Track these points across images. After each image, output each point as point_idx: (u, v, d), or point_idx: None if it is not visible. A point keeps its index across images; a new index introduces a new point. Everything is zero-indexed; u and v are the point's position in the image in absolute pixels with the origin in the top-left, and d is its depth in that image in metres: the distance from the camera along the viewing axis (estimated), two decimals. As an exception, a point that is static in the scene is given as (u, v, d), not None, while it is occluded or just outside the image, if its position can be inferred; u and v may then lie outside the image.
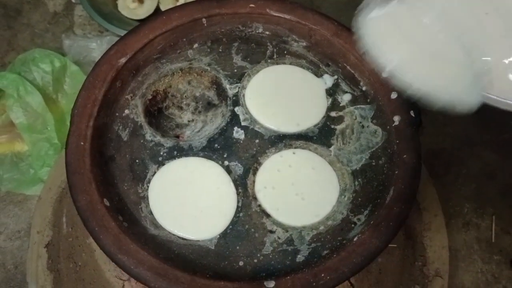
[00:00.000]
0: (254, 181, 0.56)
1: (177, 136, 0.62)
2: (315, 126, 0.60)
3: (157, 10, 1.04)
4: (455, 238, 0.89)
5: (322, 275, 0.49)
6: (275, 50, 0.64)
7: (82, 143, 0.53)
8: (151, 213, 0.54)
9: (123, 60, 0.58)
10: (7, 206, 0.88)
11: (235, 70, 0.63)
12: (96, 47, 1.00)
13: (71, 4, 1.09)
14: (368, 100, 0.61)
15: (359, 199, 0.56)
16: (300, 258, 0.52)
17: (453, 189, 0.93)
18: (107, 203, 0.52)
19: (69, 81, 0.94)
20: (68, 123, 0.90)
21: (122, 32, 0.95)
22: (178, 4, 0.99)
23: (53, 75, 0.92)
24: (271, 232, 0.54)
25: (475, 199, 0.92)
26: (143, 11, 1.03)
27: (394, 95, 0.58)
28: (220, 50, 0.64)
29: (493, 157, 0.95)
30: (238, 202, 0.55)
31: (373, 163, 0.58)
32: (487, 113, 0.93)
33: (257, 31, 0.65)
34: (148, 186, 0.56)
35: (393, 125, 0.57)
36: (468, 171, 0.94)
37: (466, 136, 0.96)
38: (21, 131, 0.88)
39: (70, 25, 1.07)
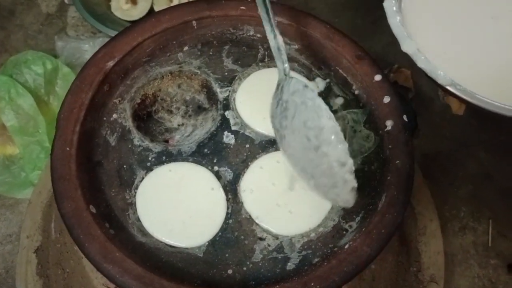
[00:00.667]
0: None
1: (166, 141, 0.61)
2: (307, 130, 0.59)
3: (151, 11, 1.03)
4: (451, 243, 0.88)
5: (312, 284, 0.48)
6: (266, 53, 0.63)
7: (68, 149, 0.52)
8: (138, 219, 0.53)
9: (111, 63, 0.57)
10: (-2, 210, 0.88)
11: (226, 74, 0.62)
12: (89, 49, 0.99)
13: (65, 5, 1.08)
14: (361, 104, 0.60)
15: (351, 205, 0.55)
16: (290, 266, 0.51)
17: (450, 192, 0.91)
18: (93, 210, 0.51)
19: (61, 83, 0.93)
20: (60, 126, 0.89)
21: (115, 34, 0.94)
22: (172, 5, 0.98)
23: (45, 77, 0.92)
24: (261, 239, 0.53)
25: (472, 202, 0.91)
26: (137, 12, 1.02)
27: (387, 99, 0.57)
28: (211, 53, 0.63)
29: (490, 159, 0.94)
30: (227, 208, 0.54)
31: (365, 169, 0.57)
32: (483, 114, 0.92)
33: (248, 34, 0.64)
34: (135, 192, 0.55)
35: (385, 129, 0.56)
36: (465, 173, 0.93)
37: (462, 138, 0.95)
38: (13, 134, 0.87)
39: (63, 26, 1.06)
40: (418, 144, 0.94)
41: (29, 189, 0.86)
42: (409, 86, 0.95)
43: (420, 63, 0.58)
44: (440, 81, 0.58)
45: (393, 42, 0.94)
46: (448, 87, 0.58)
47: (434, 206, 0.77)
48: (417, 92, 0.96)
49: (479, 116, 0.95)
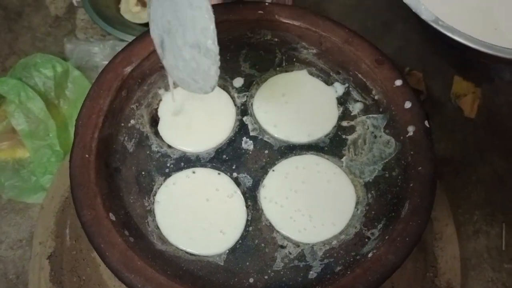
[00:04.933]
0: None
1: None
2: (326, 136, 0.59)
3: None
4: (465, 247, 0.87)
5: (336, 293, 0.47)
6: (284, 57, 0.63)
7: (87, 156, 0.51)
8: (157, 227, 0.52)
9: (128, 69, 0.57)
10: (9, 215, 0.87)
11: (244, 78, 0.61)
12: (99, 51, 0.98)
13: (73, 7, 1.07)
14: (381, 109, 0.59)
15: (373, 212, 0.54)
16: (312, 274, 0.51)
17: (463, 196, 0.91)
18: (113, 218, 0.50)
19: (71, 87, 0.93)
20: (70, 129, 0.89)
21: (125, 36, 0.94)
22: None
23: (55, 80, 0.91)
24: (282, 247, 0.52)
25: (485, 206, 0.90)
26: (146, 15, 1.00)
27: (408, 105, 0.56)
28: (228, 58, 0.62)
29: (503, 163, 0.93)
30: (247, 215, 0.54)
31: (386, 175, 0.56)
32: (496, 118, 0.91)
33: (265, 38, 0.63)
34: (154, 199, 0.54)
35: (407, 135, 0.55)
36: (478, 178, 0.92)
37: (475, 141, 0.95)
38: (23, 138, 0.86)
39: (72, 28, 1.05)
40: (430, 148, 0.94)
41: (40, 194, 0.85)
42: (421, 89, 0.95)
43: None
44: (424, 16, 0.56)
45: (405, 45, 0.94)
46: (431, 23, 0.56)
47: (450, 211, 0.77)
48: (429, 95, 0.96)
49: (491, 120, 0.95)
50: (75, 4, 1.06)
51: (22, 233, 0.86)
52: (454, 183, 0.92)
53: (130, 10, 1.02)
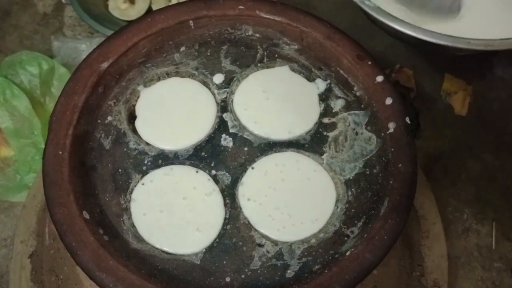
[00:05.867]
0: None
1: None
2: (307, 133, 0.58)
3: (149, 11, 1.01)
4: (454, 245, 0.86)
5: (313, 292, 0.46)
6: (265, 53, 0.62)
7: (60, 153, 0.51)
8: (133, 225, 0.52)
9: (105, 65, 0.56)
10: (-7, 213, 0.86)
11: (224, 74, 0.60)
12: (86, 49, 0.97)
13: (61, 4, 1.06)
14: (362, 106, 0.58)
15: (353, 210, 0.53)
16: (290, 273, 0.50)
17: (452, 193, 0.90)
18: (87, 216, 0.49)
19: (57, 84, 0.92)
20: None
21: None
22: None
23: (41, 78, 0.90)
24: (260, 245, 0.51)
25: (475, 204, 0.89)
26: (135, 12, 1.00)
27: (389, 101, 0.55)
28: (208, 54, 0.62)
29: (493, 160, 0.93)
30: (225, 213, 0.53)
31: (367, 172, 0.55)
32: (487, 115, 0.91)
33: (246, 34, 0.62)
34: (130, 197, 0.53)
35: (388, 132, 0.55)
36: (468, 175, 0.91)
37: (465, 138, 0.94)
38: (8, 136, 0.85)
39: (60, 26, 1.05)
40: (420, 145, 0.93)
41: (24, 192, 0.84)
42: (411, 86, 0.94)
43: None
44: None
45: (395, 42, 0.93)
46: (358, 2, 0.55)
47: (438, 209, 0.76)
48: (419, 92, 0.95)
49: (482, 117, 0.94)
50: (63, 1, 1.05)
51: (7, 232, 0.85)
52: (444, 181, 0.91)
53: (118, 7, 1.01)
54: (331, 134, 0.58)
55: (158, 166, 0.55)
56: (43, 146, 0.84)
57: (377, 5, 0.55)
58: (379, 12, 0.55)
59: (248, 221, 0.53)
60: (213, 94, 0.60)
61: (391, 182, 0.52)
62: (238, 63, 0.61)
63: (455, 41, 0.58)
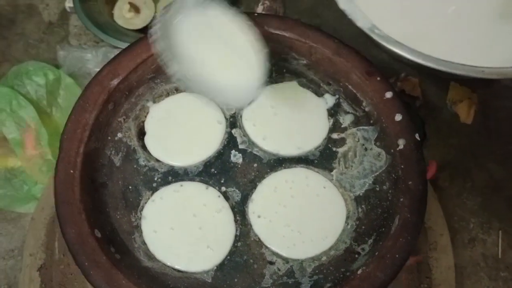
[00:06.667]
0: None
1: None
2: (316, 148, 0.58)
3: (154, 19, 1.01)
4: (461, 255, 0.86)
5: (324, 311, 0.46)
6: (274, 68, 0.62)
7: (71, 171, 0.51)
8: (144, 243, 0.52)
9: (115, 82, 0.56)
10: (0, 224, 0.86)
11: (233, 90, 0.60)
12: (92, 58, 0.97)
13: (66, 13, 1.06)
14: (371, 121, 0.58)
15: (363, 227, 0.53)
16: (301, 291, 0.50)
17: (458, 203, 0.90)
18: (98, 234, 0.49)
19: (64, 94, 0.92)
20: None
21: (118, 43, 0.93)
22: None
23: (47, 88, 0.90)
24: (271, 263, 0.52)
25: (481, 213, 0.89)
26: (140, 21, 1.00)
27: (398, 117, 0.55)
28: (217, 69, 0.61)
29: (499, 169, 0.93)
30: (236, 230, 0.53)
31: (377, 189, 0.55)
32: (493, 123, 0.90)
33: (255, 49, 0.62)
34: (141, 214, 0.53)
35: (397, 148, 0.55)
36: (474, 184, 0.91)
37: (471, 147, 0.94)
38: (14, 147, 0.85)
39: (65, 35, 1.05)
40: (426, 154, 0.93)
41: (31, 203, 0.85)
42: (417, 95, 0.94)
43: (342, 4, 0.55)
44: (359, 23, 0.55)
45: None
46: (367, 31, 0.55)
47: (445, 220, 0.76)
48: (425, 101, 0.95)
49: (488, 126, 0.94)
50: (68, 10, 1.05)
51: (14, 243, 0.85)
52: (450, 190, 0.91)
53: (123, 16, 1.01)
54: (341, 150, 0.58)
55: (168, 183, 0.55)
56: (50, 156, 0.84)
57: (387, 33, 0.55)
58: (389, 42, 0.55)
59: (259, 238, 0.53)
60: (222, 109, 0.60)
61: (401, 199, 0.52)
62: (246, 78, 0.61)
63: (469, 70, 0.57)
